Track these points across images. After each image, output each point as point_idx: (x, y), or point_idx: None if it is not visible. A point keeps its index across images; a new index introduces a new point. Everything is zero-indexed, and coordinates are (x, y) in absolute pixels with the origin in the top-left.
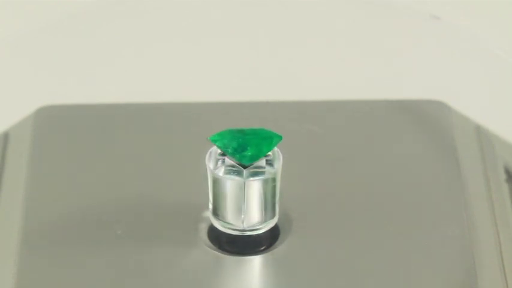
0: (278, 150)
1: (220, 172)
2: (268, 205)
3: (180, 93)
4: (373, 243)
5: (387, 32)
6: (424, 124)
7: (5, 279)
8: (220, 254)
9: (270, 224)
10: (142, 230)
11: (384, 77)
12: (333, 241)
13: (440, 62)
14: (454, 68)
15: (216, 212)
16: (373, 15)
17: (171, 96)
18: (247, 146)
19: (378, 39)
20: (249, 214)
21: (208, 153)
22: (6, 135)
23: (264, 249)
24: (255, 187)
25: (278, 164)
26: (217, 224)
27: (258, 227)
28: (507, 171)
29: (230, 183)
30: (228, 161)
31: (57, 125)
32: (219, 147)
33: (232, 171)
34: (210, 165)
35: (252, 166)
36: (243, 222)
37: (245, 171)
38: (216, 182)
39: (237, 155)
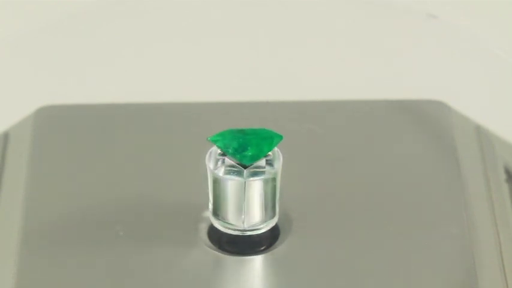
0: (278, 150)
1: (221, 172)
2: (269, 205)
3: (180, 93)
4: (373, 243)
5: (387, 32)
6: (424, 124)
7: (5, 279)
8: (220, 254)
9: (270, 224)
10: (142, 230)
11: (384, 77)
12: (333, 241)
13: (441, 62)
14: (454, 68)
15: (216, 212)
16: (373, 15)
17: (171, 96)
18: (247, 146)
19: (378, 39)
20: (249, 214)
21: (208, 153)
22: (6, 135)
23: (264, 249)
24: (255, 187)
25: (278, 164)
26: (217, 224)
27: (258, 227)
28: (507, 171)
29: (230, 183)
30: (228, 161)
31: (57, 125)
32: (219, 147)
33: (232, 171)
34: (210, 165)
35: (252, 166)
36: (243, 222)
37: (245, 171)
38: (216, 182)
39: (238, 155)
